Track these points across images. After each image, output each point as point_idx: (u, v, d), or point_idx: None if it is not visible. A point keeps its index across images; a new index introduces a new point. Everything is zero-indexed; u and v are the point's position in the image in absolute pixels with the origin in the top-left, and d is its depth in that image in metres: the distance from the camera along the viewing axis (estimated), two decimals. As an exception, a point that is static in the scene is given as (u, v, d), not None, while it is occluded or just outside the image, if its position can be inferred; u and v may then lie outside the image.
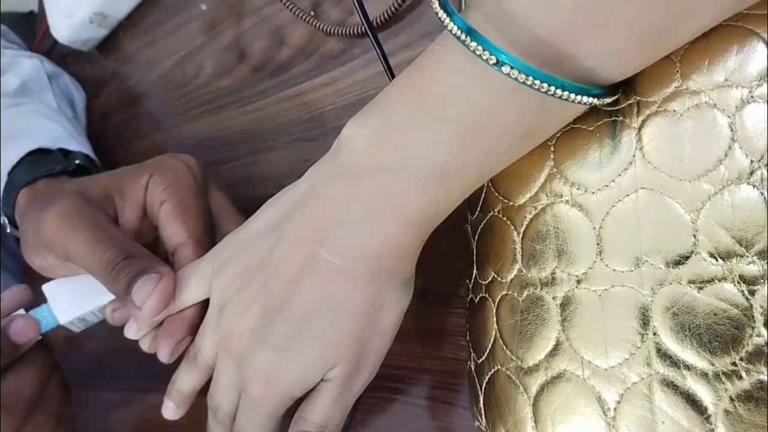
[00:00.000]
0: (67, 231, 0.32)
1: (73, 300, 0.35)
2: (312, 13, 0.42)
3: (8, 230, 0.44)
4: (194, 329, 0.31)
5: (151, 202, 0.35)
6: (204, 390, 0.32)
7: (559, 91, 0.20)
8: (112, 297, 0.34)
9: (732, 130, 0.20)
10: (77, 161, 0.45)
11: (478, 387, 0.26)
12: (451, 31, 0.21)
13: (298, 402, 0.28)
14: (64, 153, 0.46)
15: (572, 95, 0.20)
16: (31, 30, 0.78)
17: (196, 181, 0.37)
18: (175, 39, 0.53)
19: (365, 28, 0.32)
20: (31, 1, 0.95)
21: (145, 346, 0.32)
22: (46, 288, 0.36)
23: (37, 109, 0.51)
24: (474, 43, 0.20)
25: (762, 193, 0.19)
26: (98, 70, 0.61)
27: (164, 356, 0.31)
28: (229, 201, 0.38)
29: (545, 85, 0.20)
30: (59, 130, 0.48)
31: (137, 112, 0.57)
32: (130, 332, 0.32)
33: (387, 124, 0.23)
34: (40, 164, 0.43)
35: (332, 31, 0.40)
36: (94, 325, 0.37)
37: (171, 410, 0.33)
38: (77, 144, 0.47)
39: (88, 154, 0.48)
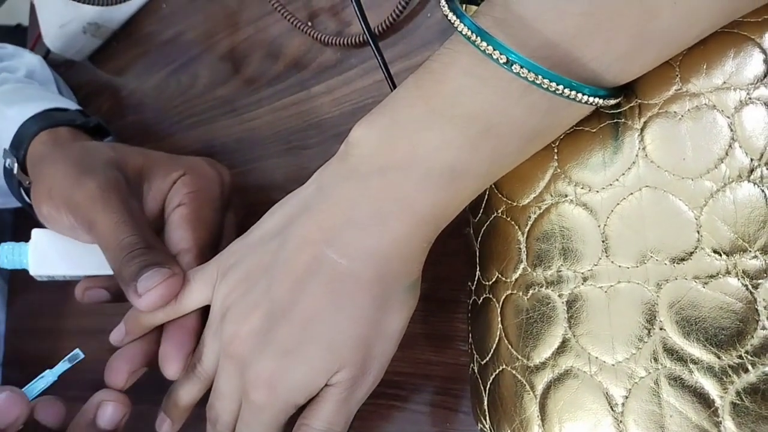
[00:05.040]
0: (101, 205, 0.32)
1: (53, 258, 0.35)
2: (309, 24, 0.42)
3: (15, 171, 0.42)
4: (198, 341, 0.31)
5: (170, 200, 0.35)
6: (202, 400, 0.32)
7: (567, 91, 0.20)
8: (91, 273, 0.34)
9: (732, 130, 0.21)
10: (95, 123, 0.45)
11: (482, 388, 0.26)
12: (461, 32, 0.21)
13: (298, 415, 0.28)
14: (83, 114, 0.46)
15: (580, 95, 0.21)
16: (19, 43, 0.78)
17: (221, 195, 0.37)
18: (171, 49, 0.53)
19: (366, 36, 0.32)
20: (19, 14, 0.94)
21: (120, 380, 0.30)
22: (36, 233, 0.35)
23: (47, 89, 0.51)
24: (484, 44, 0.20)
25: (762, 191, 0.20)
26: (90, 80, 0.61)
27: (173, 370, 0.30)
28: (236, 226, 0.38)
29: (554, 84, 0.20)
30: (73, 103, 0.48)
31: (129, 123, 0.57)
32: (116, 336, 0.31)
33: (396, 125, 0.24)
34: (60, 116, 0.43)
35: (330, 41, 0.40)
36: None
37: (167, 426, 0.32)
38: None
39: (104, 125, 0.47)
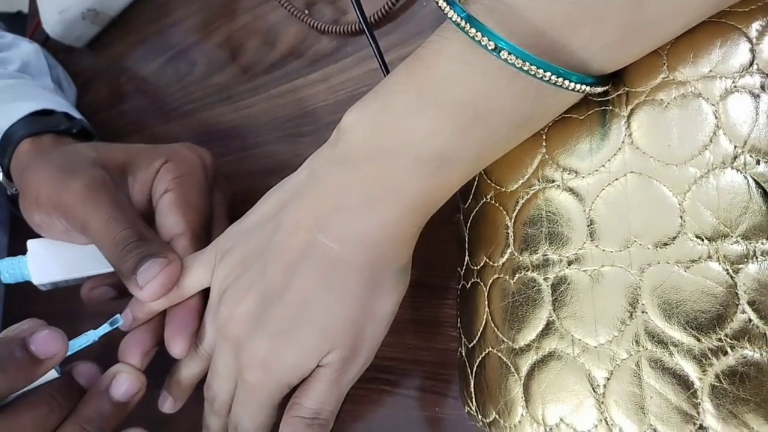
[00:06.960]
0: (91, 204, 0.32)
1: (52, 265, 0.35)
2: (306, 12, 0.42)
3: (0, 178, 0.43)
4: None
5: (156, 188, 0.36)
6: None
7: (554, 78, 0.21)
8: (92, 273, 0.35)
9: (717, 118, 0.21)
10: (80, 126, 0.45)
11: (469, 371, 0.27)
12: (451, 18, 0.21)
13: (290, 396, 0.28)
14: (68, 117, 0.46)
15: (567, 82, 0.21)
16: (19, 30, 0.78)
17: (206, 177, 0.37)
18: (168, 36, 0.53)
19: (361, 24, 0.33)
20: (19, 1, 0.94)
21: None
22: (32, 243, 0.35)
23: (39, 84, 0.51)
24: (473, 30, 0.21)
25: (745, 177, 0.20)
26: (89, 66, 0.61)
27: (179, 349, 0.30)
28: (226, 206, 0.39)
29: (541, 71, 0.21)
30: (62, 101, 0.48)
31: (127, 109, 0.57)
32: (126, 321, 0.32)
33: (387, 111, 0.24)
34: (45, 121, 0.43)
35: (326, 29, 0.41)
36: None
37: (169, 403, 0.32)
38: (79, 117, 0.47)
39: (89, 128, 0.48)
